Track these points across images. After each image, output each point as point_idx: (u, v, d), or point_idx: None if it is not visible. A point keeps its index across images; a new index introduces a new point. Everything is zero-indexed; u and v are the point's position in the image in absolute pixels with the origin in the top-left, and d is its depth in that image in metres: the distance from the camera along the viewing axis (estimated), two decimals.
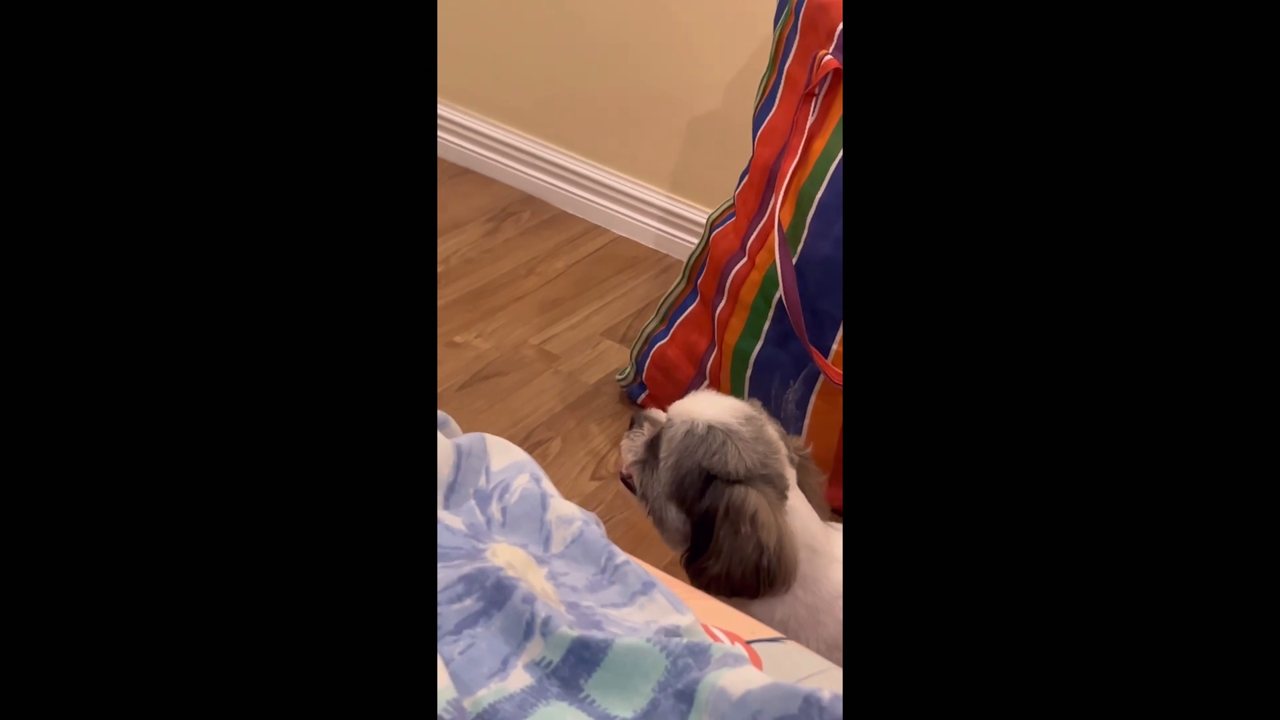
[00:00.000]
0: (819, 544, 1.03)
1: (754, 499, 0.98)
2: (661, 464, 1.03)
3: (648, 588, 0.92)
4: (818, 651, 0.92)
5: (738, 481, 0.99)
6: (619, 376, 1.96)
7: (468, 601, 0.86)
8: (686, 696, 0.82)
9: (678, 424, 1.04)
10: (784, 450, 1.06)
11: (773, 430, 1.07)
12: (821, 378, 1.64)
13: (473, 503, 0.98)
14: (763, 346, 1.72)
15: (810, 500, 1.05)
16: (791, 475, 1.04)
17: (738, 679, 0.81)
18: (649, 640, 0.84)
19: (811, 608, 1.03)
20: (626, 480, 1.10)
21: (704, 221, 1.92)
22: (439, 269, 2.15)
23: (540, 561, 0.94)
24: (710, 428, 1.02)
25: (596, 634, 0.85)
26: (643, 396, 1.91)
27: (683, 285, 1.88)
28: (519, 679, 0.84)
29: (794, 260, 1.64)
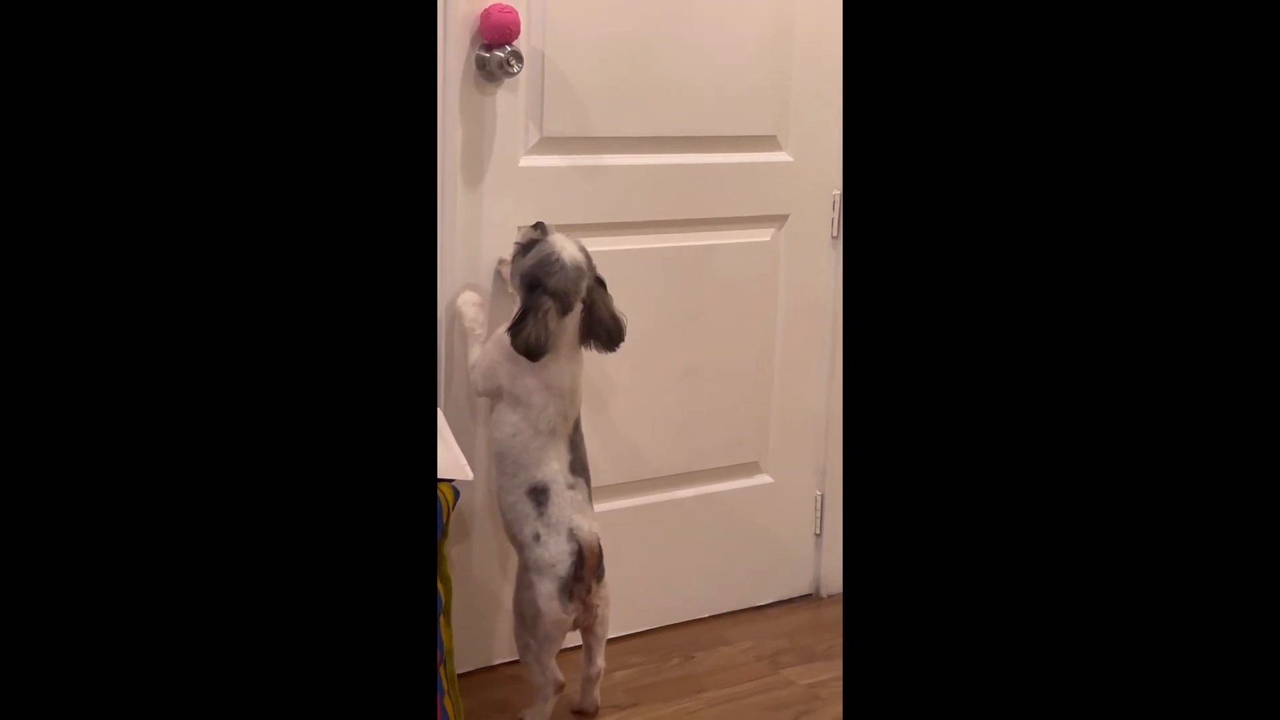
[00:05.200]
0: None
1: (548, 303, 1.66)
2: (527, 260, 1.68)
3: None
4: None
5: (549, 294, 1.66)
6: None
7: None
8: None
9: (548, 245, 1.67)
10: (583, 286, 1.69)
11: (587, 273, 1.70)
12: None
13: None
14: None
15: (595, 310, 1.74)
16: (578, 300, 1.70)
17: None
18: None
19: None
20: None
21: None
22: None
23: None
24: (559, 258, 1.66)
25: None
26: None
27: None
28: None
29: None
